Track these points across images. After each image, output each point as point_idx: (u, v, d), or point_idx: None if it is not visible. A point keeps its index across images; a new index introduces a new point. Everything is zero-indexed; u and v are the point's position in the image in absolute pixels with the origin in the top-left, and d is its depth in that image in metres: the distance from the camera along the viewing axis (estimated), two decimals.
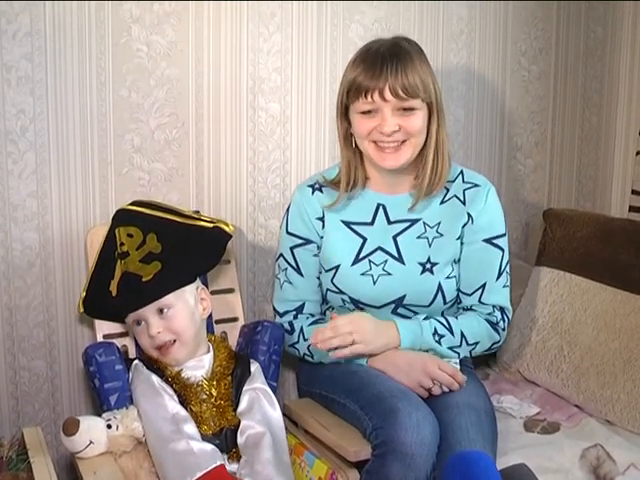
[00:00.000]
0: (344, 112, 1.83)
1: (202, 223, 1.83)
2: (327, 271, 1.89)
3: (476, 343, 1.86)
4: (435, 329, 1.82)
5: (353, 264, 1.86)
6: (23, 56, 1.79)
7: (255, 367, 1.79)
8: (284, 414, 1.78)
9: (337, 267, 1.87)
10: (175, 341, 1.70)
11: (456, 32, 2.25)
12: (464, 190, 1.87)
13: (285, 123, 2.09)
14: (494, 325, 1.89)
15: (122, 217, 1.79)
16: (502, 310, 1.90)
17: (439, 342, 1.81)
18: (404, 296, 1.84)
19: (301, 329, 1.91)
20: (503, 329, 1.91)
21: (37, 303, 1.90)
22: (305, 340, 1.89)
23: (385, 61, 1.72)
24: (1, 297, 1.86)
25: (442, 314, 1.89)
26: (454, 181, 1.88)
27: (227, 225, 1.84)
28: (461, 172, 1.90)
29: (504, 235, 1.89)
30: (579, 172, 2.53)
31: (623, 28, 2.46)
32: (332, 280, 1.88)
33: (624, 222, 2.16)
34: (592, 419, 1.88)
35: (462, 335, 1.83)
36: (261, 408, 1.71)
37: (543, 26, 2.38)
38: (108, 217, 1.86)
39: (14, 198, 1.84)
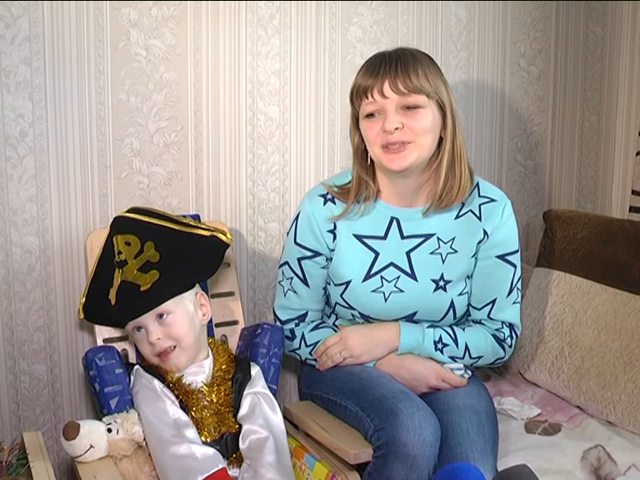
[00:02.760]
0: (356, 124, 1.80)
1: (200, 231, 1.81)
2: (337, 285, 1.86)
3: (479, 357, 1.86)
4: (440, 337, 1.82)
5: (364, 280, 1.83)
6: (22, 61, 1.80)
7: (256, 371, 1.78)
8: (284, 417, 1.77)
9: (348, 283, 1.84)
10: (175, 347, 1.70)
11: (455, 34, 2.26)
12: (480, 205, 1.83)
13: (284, 126, 2.09)
14: (501, 341, 1.87)
15: (120, 224, 1.79)
16: (511, 327, 1.88)
17: (441, 351, 1.81)
18: (415, 312, 1.83)
19: (302, 336, 1.90)
20: (510, 346, 1.89)
21: (37, 307, 1.90)
22: (307, 346, 1.89)
23: (384, 61, 1.71)
24: (1, 301, 1.86)
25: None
26: (470, 194, 1.83)
27: (225, 234, 1.82)
28: (477, 185, 1.85)
29: (517, 251, 1.86)
30: (579, 173, 2.53)
31: (622, 28, 2.46)
32: (342, 295, 1.85)
33: (624, 223, 2.15)
34: (593, 420, 1.88)
35: (466, 347, 1.83)
36: (262, 412, 1.71)
37: (542, 27, 2.39)
38: (108, 221, 1.86)
39: (14, 203, 1.84)
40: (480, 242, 1.83)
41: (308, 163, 2.13)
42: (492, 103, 2.36)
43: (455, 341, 1.82)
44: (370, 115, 1.73)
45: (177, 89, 1.96)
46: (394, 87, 1.68)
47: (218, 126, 2.01)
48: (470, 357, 1.84)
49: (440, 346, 1.81)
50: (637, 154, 2.40)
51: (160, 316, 1.69)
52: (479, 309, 1.87)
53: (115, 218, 1.81)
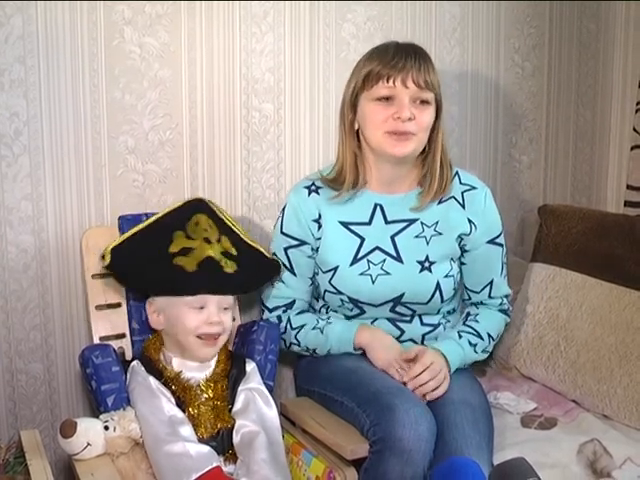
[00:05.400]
0: (353, 102, 1.84)
1: (260, 248, 1.88)
2: (325, 272, 1.89)
3: (498, 335, 1.99)
4: (469, 341, 1.89)
5: (351, 264, 1.87)
6: (16, 59, 1.79)
7: (251, 367, 1.79)
8: (281, 413, 1.78)
9: (335, 268, 1.88)
10: (220, 335, 1.73)
11: (449, 30, 2.26)
12: (462, 192, 1.90)
13: (279, 123, 2.09)
14: (506, 312, 2.01)
15: (204, 208, 1.84)
16: (507, 296, 2.01)
17: (476, 352, 1.91)
18: (403, 294, 1.86)
19: (288, 319, 1.92)
20: (511, 310, 2.04)
21: (33, 306, 1.90)
22: (293, 329, 1.91)
23: (409, 54, 1.78)
24: None
25: (458, 320, 1.98)
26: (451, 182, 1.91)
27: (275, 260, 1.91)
28: (457, 173, 1.93)
29: (502, 232, 1.96)
30: (574, 168, 2.54)
31: (616, 24, 2.45)
32: (330, 281, 1.88)
33: (619, 217, 2.16)
34: (589, 414, 1.89)
35: (489, 336, 1.93)
36: (256, 408, 1.72)
37: (536, 23, 2.39)
38: (103, 219, 1.87)
39: (9, 201, 1.84)
40: (468, 234, 1.89)
41: (303, 160, 2.13)
42: (486, 99, 2.36)
43: (480, 336, 1.91)
44: (382, 99, 1.78)
45: (171, 87, 1.96)
46: (416, 80, 1.76)
47: (213, 123, 2.01)
48: (493, 340, 1.96)
49: (474, 348, 1.89)
50: (631, 149, 2.40)
51: (224, 307, 1.74)
52: (478, 292, 1.96)
53: (199, 199, 1.86)
